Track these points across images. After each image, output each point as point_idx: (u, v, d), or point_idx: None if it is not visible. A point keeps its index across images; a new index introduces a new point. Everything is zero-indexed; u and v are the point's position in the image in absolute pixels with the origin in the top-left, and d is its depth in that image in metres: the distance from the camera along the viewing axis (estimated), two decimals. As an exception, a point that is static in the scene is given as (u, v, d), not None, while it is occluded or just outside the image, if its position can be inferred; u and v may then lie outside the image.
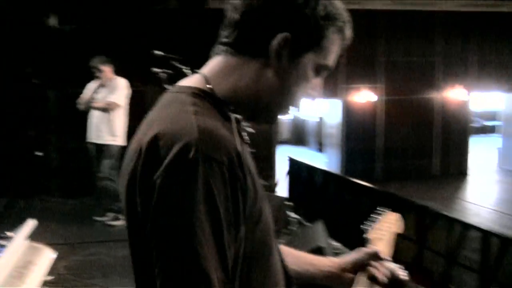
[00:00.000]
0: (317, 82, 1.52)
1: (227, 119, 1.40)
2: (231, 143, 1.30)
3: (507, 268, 6.61)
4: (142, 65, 8.56)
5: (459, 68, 16.62)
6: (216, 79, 1.45)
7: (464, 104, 16.70)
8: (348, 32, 1.49)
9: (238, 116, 1.45)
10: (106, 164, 8.55)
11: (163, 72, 7.29)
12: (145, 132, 1.34)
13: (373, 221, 1.95)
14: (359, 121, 15.61)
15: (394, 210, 1.98)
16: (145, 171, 1.27)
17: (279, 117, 1.56)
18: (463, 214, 11.79)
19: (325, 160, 16.75)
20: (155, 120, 1.36)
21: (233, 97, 1.44)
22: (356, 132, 15.65)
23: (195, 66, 6.48)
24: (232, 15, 1.45)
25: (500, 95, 18.92)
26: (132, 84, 8.97)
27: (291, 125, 24.53)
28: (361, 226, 1.90)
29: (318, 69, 1.49)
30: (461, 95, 16.40)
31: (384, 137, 15.90)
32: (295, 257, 1.76)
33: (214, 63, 1.49)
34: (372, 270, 1.74)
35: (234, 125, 1.40)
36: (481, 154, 19.68)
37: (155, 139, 1.28)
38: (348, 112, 15.51)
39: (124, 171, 1.38)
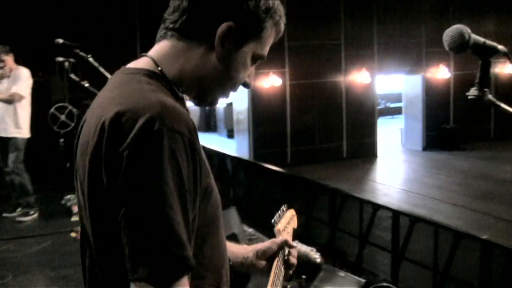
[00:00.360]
0: (252, 70, 1.66)
1: (178, 98, 1.52)
2: (189, 117, 1.40)
3: (416, 246, 6.80)
4: (45, 54, 8.30)
5: (364, 52, 16.97)
6: (164, 62, 1.55)
7: (369, 87, 17.07)
8: (282, 26, 1.64)
9: (186, 97, 1.59)
10: (12, 157, 8.27)
11: (66, 61, 7.09)
12: (104, 110, 1.40)
13: (280, 216, 2.13)
14: (266, 106, 15.69)
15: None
16: (111, 145, 1.33)
17: (220, 100, 1.68)
18: (373, 195, 12.09)
19: (235, 146, 16.78)
20: (114, 99, 1.42)
21: (180, 79, 1.55)
22: (264, 117, 15.73)
23: (98, 53, 6.32)
24: (180, 2, 1.55)
25: (402, 77, 19.46)
26: (35, 74, 8.69)
27: (200, 112, 24.42)
28: (272, 221, 2.07)
29: (255, 58, 1.62)
30: (366, 78, 16.76)
31: (293, 121, 16.05)
32: None
33: (161, 47, 1.59)
34: (286, 257, 1.98)
35: (185, 103, 1.55)
36: (388, 135, 20.19)
37: (118, 115, 1.34)
38: (255, 98, 15.56)
39: (84, 149, 1.44)
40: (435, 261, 6.39)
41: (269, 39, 1.62)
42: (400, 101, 22.51)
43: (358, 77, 16.73)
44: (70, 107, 9.54)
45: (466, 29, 1.59)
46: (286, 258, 1.98)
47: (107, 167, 1.34)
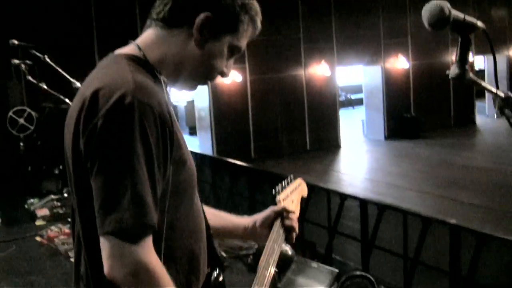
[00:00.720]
0: (230, 62, 1.80)
1: (156, 80, 1.66)
2: (162, 94, 1.58)
3: (385, 233, 6.82)
4: (0, 57, 8.12)
5: (323, 45, 17.02)
6: (148, 48, 1.71)
7: (330, 79, 17.14)
8: (259, 23, 1.79)
9: (165, 79, 1.70)
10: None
11: (23, 63, 6.95)
12: (86, 89, 1.56)
13: (283, 186, 2.17)
14: (228, 102, 15.67)
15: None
16: (88, 117, 1.49)
17: (198, 86, 1.83)
18: (338, 186, 12.14)
19: (198, 144, 16.71)
20: (96, 78, 1.59)
21: (161, 63, 1.70)
22: (226, 113, 15.71)
23: (55, 53, 6.19)
24: None
25: (362, 69, 19.60)
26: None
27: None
28: (273, 189, 2.12)
29: (232, 50, 1.76)
30: (326, 71, 16.82)
31: (255, 116, 16.04)
32: (216, 215, 2.04)
33: (146, 35, 1.75)
34: (283, 220, 2.06)
35: (163, 85, 1.67)
36: (350, 126, 20.31)
37: (96, 92, 1.51)
38: (216, 94, 15.53)
39: (69, 124, 1.59)
40: (405, 248, 6.42)
41: (246, 33, 1.77)
42: (360, 92, 22.69)
43: (318, 70, 16.78)
44: (28, 110, 9.37)
45: (446, 4, 1.55)
46: (283, 222, 2.05)
47: (83, 136, 1.50)
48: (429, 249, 6.19)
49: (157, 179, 1.49)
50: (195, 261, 1.71)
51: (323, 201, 7.56)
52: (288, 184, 2.21)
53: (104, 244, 1.44)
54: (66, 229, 7.28)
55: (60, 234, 7.14)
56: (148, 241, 1.46)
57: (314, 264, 4.94)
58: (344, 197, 7.30)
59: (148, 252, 1.45)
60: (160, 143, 1.50)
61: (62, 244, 6.77)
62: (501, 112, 1.63)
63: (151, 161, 1.47)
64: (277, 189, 2.13)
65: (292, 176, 2.26)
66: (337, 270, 4.77)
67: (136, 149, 1.44)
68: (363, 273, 4.30)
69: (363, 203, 6.99)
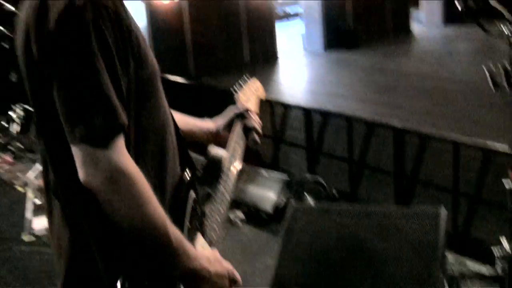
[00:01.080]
0: None
1: None
2: None
3: (330, 140, 6.91)
4: None
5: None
6: None
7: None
8: None
9: None
10: None
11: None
12: None
13: (241, 85, 2.18)
14: (164, 20, 15.41)
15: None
16: (39, 23, 1.44)
17: None
18: (280, 97, 12.12)
19: (136, 64, 16.51)
20: None
21: None
22: (163, 32, 15.45)
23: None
24: None
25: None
26: None
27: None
28: (231, 88, 2.14)
29: None
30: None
31: (193, 32, 15.84)
32: (181, 119, 1.99)
33: None
34: (245, 120, 2.08)
35: None
36: (289, 39, 20.22)
37: None
38: (153, 14, 15.23)
39: (19, 35, 1.53)
40: (350, 153, 6.50)
41: None
42: (297, 4, 22.57)
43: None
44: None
45: None
46: (245, 123, 2.05)
47: (36, 44, 1.44)
48: (373, 152, 6.31)
49: (120, 77, 1.45)
50: (166, 160, 1.68)
51: (267, 112, 7.58)
52: (244, 83, 2.20)
53: (77, 153, 1.41)
54: (8, 158, 7.17)
55: (1, 163, 7.03)
56: (120, 143, 1.43)
57: (264, 172, 4.98)
58: (287, 107, 7.33)
59: (121, 154, 1.43)
60: (120, 42, 1.45)
61: (6, 172, 6.68)
62: (466, 10, 1.63)
63: (112, 61, 1.43)
64: (235, 88, 2.14)
65: (248, 75, 2.27)
66: (287, 177, 4.81)
67: (95, 51, 1.39)
68: (315, 177, 4.35)
69: (307, 112, 7.03)
